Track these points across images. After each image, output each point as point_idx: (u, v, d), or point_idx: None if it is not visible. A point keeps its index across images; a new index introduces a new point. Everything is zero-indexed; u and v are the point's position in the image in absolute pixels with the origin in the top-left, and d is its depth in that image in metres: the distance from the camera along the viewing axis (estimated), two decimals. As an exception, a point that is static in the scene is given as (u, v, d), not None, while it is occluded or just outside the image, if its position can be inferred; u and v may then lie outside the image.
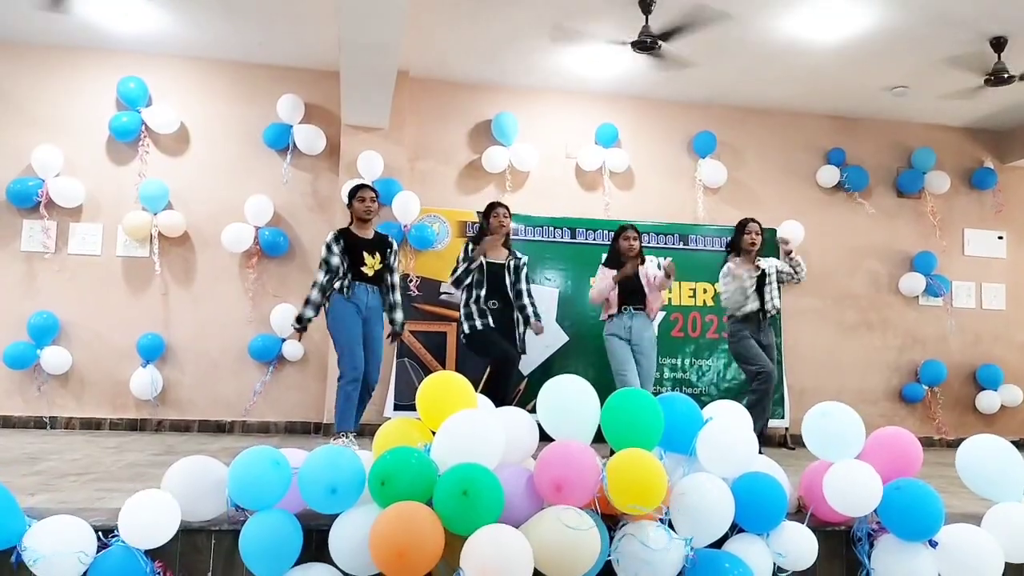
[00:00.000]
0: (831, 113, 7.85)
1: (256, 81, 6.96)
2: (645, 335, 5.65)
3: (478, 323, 5.54)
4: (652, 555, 2.50)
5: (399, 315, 5.49)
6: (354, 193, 5.40)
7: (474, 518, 2.34)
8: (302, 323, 5.22)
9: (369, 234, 5.41)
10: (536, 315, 5.72)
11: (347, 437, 5.13)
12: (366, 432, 4.99)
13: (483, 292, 5.58)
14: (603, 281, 5.67)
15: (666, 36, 5.93)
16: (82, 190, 6.55)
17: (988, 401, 7.69)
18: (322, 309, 5.26)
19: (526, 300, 5.72)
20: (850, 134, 7.89)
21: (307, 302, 5.21)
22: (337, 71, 6.23)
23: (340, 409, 5.19)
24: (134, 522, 2.43)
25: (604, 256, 5.91)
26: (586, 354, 6.59)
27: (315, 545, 2.60)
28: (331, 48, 6.33)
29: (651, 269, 5.77)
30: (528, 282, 5.83)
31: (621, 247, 5.71)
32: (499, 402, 3.28)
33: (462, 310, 5.65)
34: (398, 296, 5.50)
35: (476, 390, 2.96)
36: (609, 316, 5.65)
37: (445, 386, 2.78)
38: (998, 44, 6.04)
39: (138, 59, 6.77)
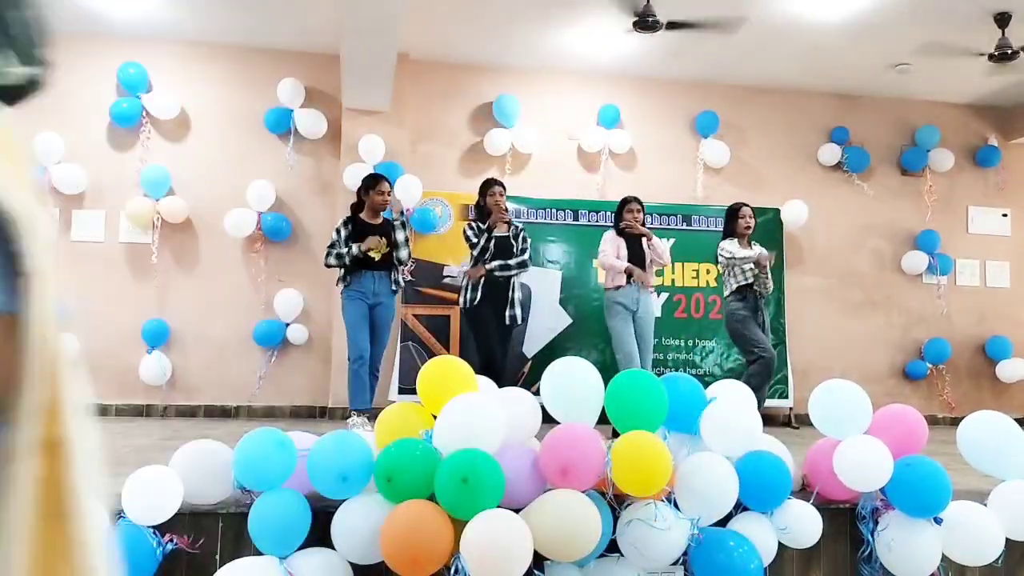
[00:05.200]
0: (834, 91, 7.80)
1: (256, 65, 6.93)
2: (649, 308, 5.77)
3: (468, 296, 5.57)
4: (657, 535, 2.51)
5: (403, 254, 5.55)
6: (372, 185, 5.49)
7: (474, 504, 2.35)
8: (342, 258, 5.30)
9: (378, 220, 5.55)
10: (516, 317, 5.70)
11: (361, 417, 5.27)
12: (373, 414, 5.03)
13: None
14: (614, 264, 5.65)
15: (674, 26, 5.92)
16: (84, 177, 6.54)
17: (1009, 370, 7.61)
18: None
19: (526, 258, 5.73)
20: (853, 112, 7.85)
21: (330, 256, 5.35)
22: (337, 54, 6.21)
23: (350, 389, 5.38)
24: (137, 498, 2.45)
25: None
26: (589, 336, 6.59)
27: (321, 530, 2.62)
28: (331, 31, 6.30)
29: (659, 246, 5.87)
30: (527, 248, 5.80)
31: (627, 219, 5.79)
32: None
33: (464, 283, 5.68)
34: (404, 252, 5.55)
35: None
36: (617, 287, 5.66)
37: (445, 370, 2.79)
38: (1002, 19, 5.99)
39: (137, 44, 6.74)
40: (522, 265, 5.70)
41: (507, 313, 5.61)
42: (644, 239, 5.76)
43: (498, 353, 5.54)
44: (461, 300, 5.67)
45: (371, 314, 5.42)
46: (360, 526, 2.49)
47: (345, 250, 5.30)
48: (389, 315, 5.54)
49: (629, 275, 5.63)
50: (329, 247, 5.40)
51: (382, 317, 5.48)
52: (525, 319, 5.80)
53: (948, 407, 7.67)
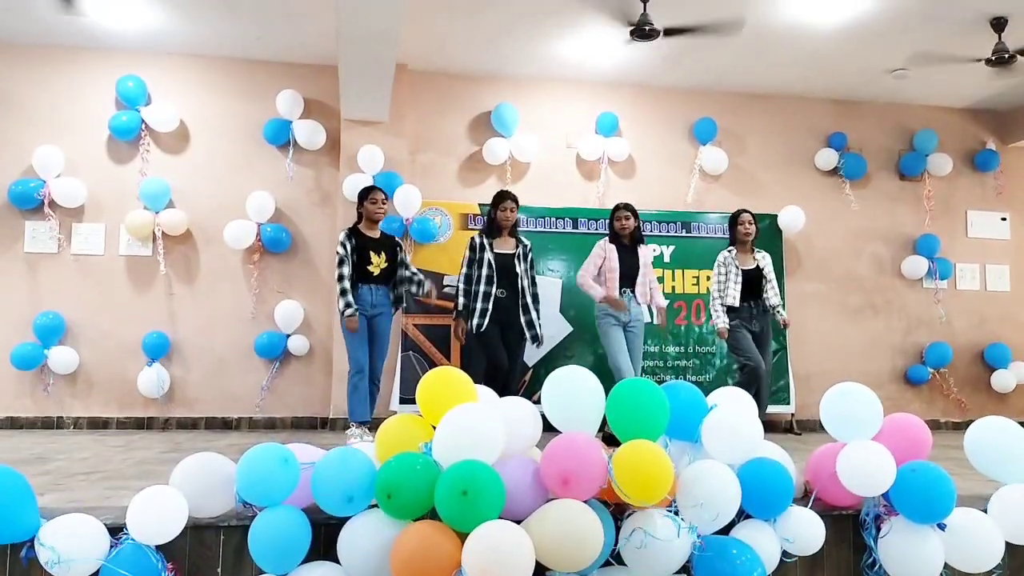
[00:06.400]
0: (832, 97, 7.81)
1: (255, 77, 6.95)
2: (640, 318, 5.79)
3: (475, 323, 5.55)
4: (660, 544, 2.51)
5: (421, 279, 5.60)
6: (366, 195, 5.54)
7: (475, 516, 2.34)
8: (351, 308, 5.29)
9: (376, 234, 5.57)
10: (539, 337, 5.72)
11: (360, 428, 5.29)
12: (374, 425, 5.02)
13: (493, 287, 5.59)
14: (591, 288, 5.72)
15: (671, 32, 5.94)
16: (84, 190, 6.55)
17: (1003, 380, 7.62)
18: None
19: (532, 311, 5.70)
20: (851, 117, 7.86)
21: (343, 293, 5.32)
22: (335, 65, 6.22)
23: (349, 402, 5.39)
24: (142, 518, 2.44)
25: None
26: (590, 344, 6.59)
27: (324, 541, 2.62)
28: (329, 42, 6.32)
29: (647, 255, 5.94)
30: (533, 268, 5.84)
31: (615, 228, 5.81)
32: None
33: (469, 304, 5.64)
34: (417, 275, 5.61)
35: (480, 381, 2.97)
36: (606, 299, 5.67)
37: (444, 381, 2.78)
38: (998, 24, 6.00)
39: (136, 57, 6.76)
40: (535, 297, 5.77)
41: (528, 333, 5.65)
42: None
43: (506, 365, 5.54)
44: (467, 323, 5.62)
45: (370, 325, 5.44)
46: (365, 544, 2.48)
47: (344, 301, 5.29)
48: (387, 325, 5.57)
49: (625, 283, 5.70)
50: (339, 264, 5.37)
51: (381, 328, 5.50)
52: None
53: (959, 404, 7.66)
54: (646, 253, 5.94)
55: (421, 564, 2.33)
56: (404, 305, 5.76)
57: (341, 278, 5.34)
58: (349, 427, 5.36)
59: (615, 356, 5.58)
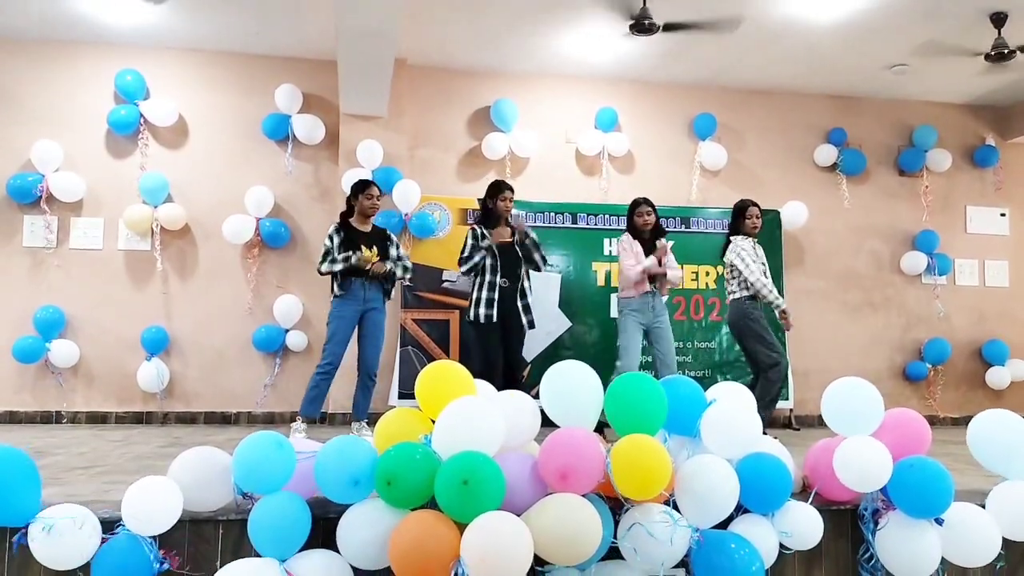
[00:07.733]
0: (832, 93, 7.81)
1: (254, 72, 6.94)
2: (664, 316, 5.63)
3: (483, 312, 5.52)
4: (657, 538, 2.51)
5: (407, 264, 5.55)
6: (362, 189, 5.46)
7: (475, 507, 2.34)
8: (355, 255, 5.23)
9: (368, 227, 5.52)
10: (534, 323, 5.76)
11: (305, 423, 5.26)
12: (372, 421, 5.02)
13: (497, 276, 5.56)
14: (640, 273, 5.49)
15: (671, 28, 5.94)
16: (82, 184, 6.55)
17: (998, 376, 7.64)
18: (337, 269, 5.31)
19: (529, 295, 5.73)
20: (851, 113, 7.85)
21: (332, 262, 5.25)
22: (335, 60, 6.21)
23: (307, 395, 5.33)
24: (137, 509, 2.44)
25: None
26: (589, 339, 6.59)
27: (322, 535, 2.61)
28: (328, 37, 6.31)
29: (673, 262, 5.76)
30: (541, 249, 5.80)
31: (637, 224, 5.66)
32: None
33: (472, 294, 5.62)
34: (404, 259, 5.54)
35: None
36: (632, 296, 5.52)
37: (443, 375, 2.79)
38: (998, 19, 6.00)
39: (135, 52, 6.75)
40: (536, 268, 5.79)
41: (525, 319, 5.62)
42: (660, 253, 5.57)
43: (501, 366, 5.50)
44: (472, 314, 5.57)
45: (363, 320, 5.39)
46: (364, 533, 2.48)
47: (341, 256, 5.25)
48: (381, 319, 5.49)
49: (652, 279, 5.48)
50: (324, 255, 5.33)
51: (374, 321, 5.44)
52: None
53: (941, 407, 7.64)
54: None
55: (420, 553, 2.33)
56: (391, 298, 5.63)
57: (323, 261, 5.29)
58: (294, 420, 5.31)
59: (627, 354, 5.48)
